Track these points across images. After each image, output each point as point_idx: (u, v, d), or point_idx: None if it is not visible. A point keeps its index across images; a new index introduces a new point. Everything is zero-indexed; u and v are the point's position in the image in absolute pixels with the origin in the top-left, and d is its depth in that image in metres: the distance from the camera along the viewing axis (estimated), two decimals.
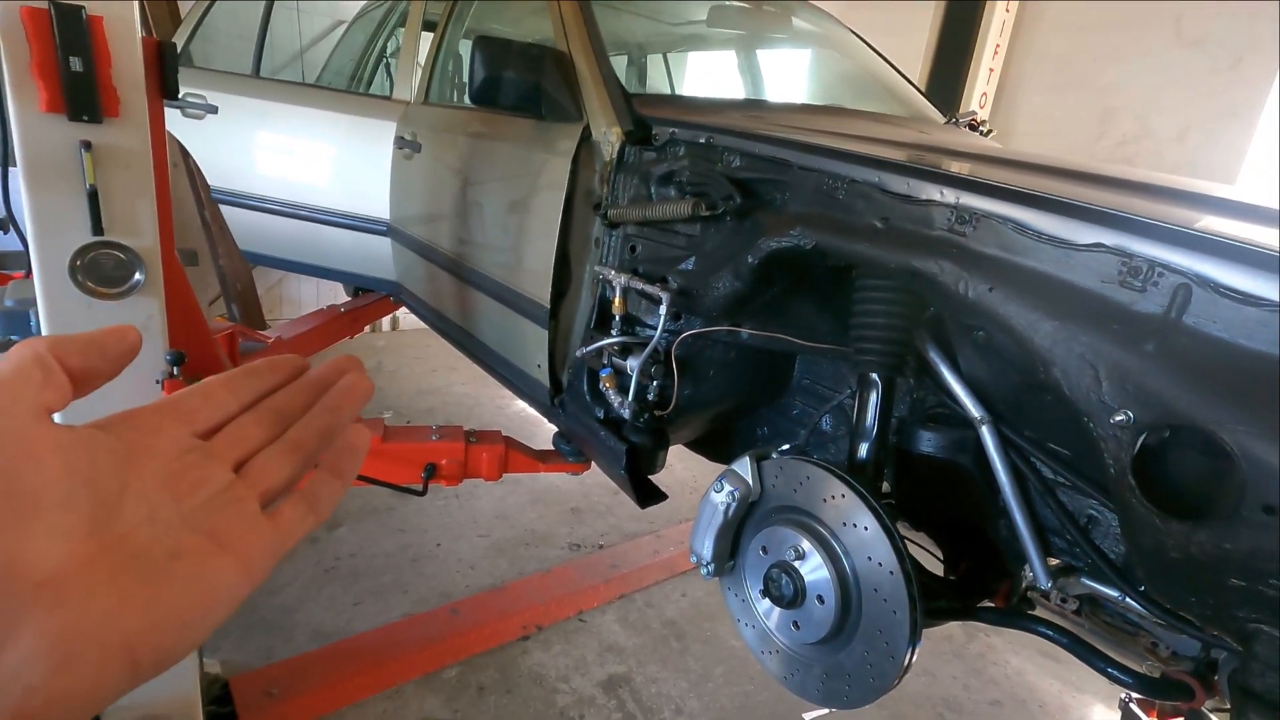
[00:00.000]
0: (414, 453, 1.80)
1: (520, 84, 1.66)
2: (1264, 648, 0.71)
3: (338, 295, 4.73)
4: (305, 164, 2.76)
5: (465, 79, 2.16)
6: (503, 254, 1.98)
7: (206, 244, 4.34)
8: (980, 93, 4.00)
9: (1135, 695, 2.57)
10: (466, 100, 2.25)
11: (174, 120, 2.77)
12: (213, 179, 2.80)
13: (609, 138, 1.57)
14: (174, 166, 3.83)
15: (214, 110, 2.72)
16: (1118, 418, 0.79)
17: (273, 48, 3.49)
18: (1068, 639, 1.16)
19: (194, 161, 2.87)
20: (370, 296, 3.29)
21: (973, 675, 2.86)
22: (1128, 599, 1.07)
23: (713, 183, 1.32)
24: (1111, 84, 3.70)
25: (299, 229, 2.73)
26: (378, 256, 2.71)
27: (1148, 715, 2.58)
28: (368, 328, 6.09)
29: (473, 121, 2.21)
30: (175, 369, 1.52)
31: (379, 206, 2.66)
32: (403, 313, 5.57)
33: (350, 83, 3.51)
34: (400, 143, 2.56)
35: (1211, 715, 1.23)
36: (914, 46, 4.17)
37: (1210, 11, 3.35)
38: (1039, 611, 1.33)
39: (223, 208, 2.88)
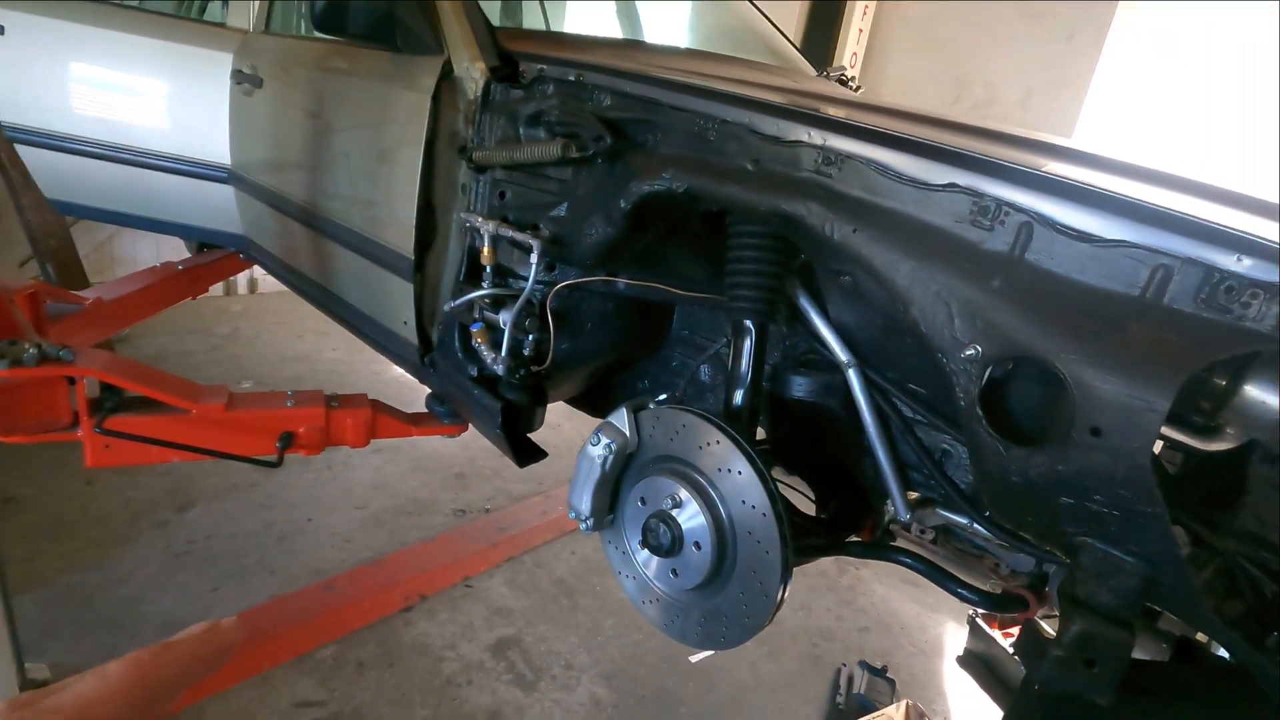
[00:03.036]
0: (266, 420, 1.63)
1: (370, 10, 1.50)
2: (1088, 558, 0.77)
3: (183, 254, 4.25)
4: (123, 99, 2.39)
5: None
6: (361, 202, 1.81)
7: (7, 194, 3.74)
8: (851, 52, 4.13)
9: (981, 611, 2.87)
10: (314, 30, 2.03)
11: None
12: (3, 113, 2.37)
13: (472, 73, 1.45)
14: None
15: None
16: (967, 352, 0.82)
17: None
18: (924, 566, 1.24)
19: None
20: (215, 253, 2.95)
21: (844, 606, 3.08)
22: (975, 524, 1.15)
23: (583, 123, 1.26)
24: (965, 51, 3.93)
25: (119, 175, 2.38)
26: (219, 207, 2.41)
27: (991, 627, 2.89)
28: (218, 289, 5.54)
29: (321, 53, 1.99)
30: None
31: (217, 149, 2.36)
32: (262, 273, 5.10)
33: (179, 8, 3.07)
34: (238, 77, 2.27)
35: (1043, 623, 1.36)
36: (789, 4, 4.22)
37: None
38: (900, 543, 1.42)
39: (21, 149, 2.46)
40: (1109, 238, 0.77)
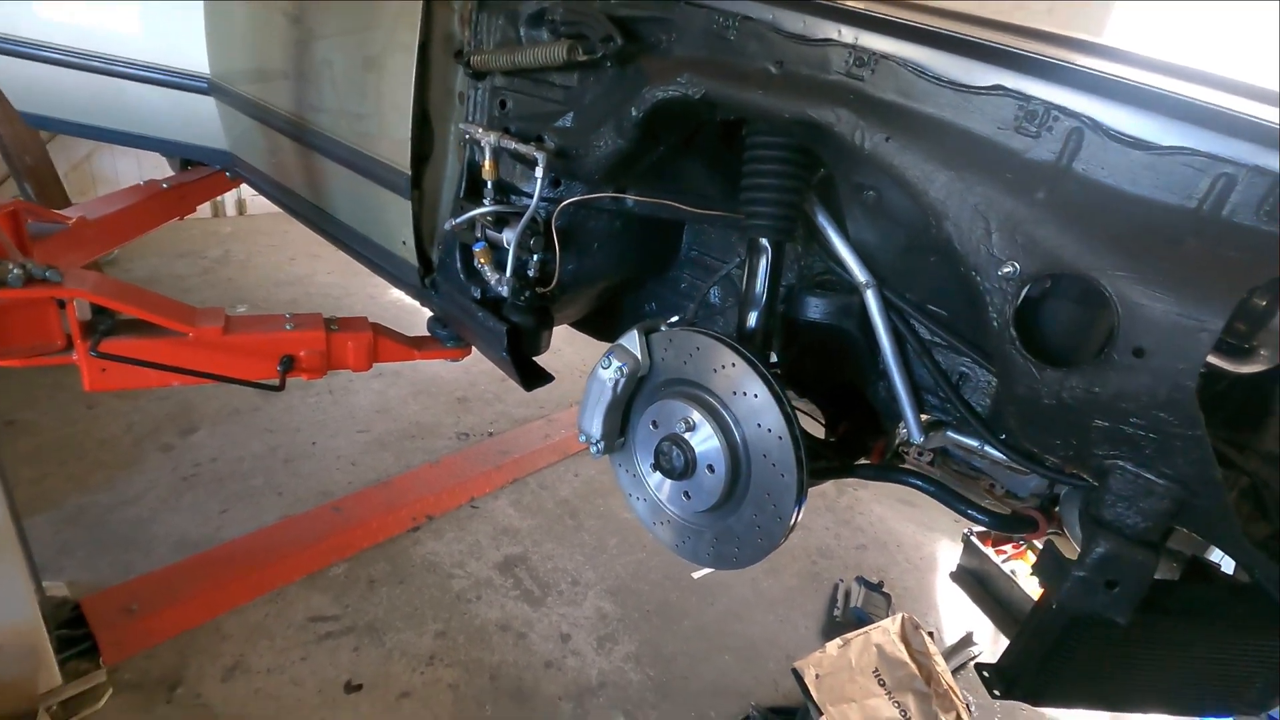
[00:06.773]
0: (265, 344, 1.59)
1: None
2: (1118, 481, 0.76)
3: (167, 172, 4.10)
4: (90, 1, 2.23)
5: None
6: (352, 114, 1.71)
7: None
8: None
9: (976, 529, 2.94)
10: None
11: None
12: None
13: None
14: None
15: None
16: (1005, 269, 0.78)
17: None
18: (935, 488, 1.24)
19: None
20: (200, 170, 2.82)
21: (842, 525, 3.15)
22: (988, 447, 1.14)
23: (590, 22, 1.16)
24: None
25: (91, 85, 2.23)
26: (200, 120, 2.28)
27: (984, 544, 2.96)
28: (206, 210, 5.39)
29: None
30: None
31: (195, 57, 2.21)
32: (251, 194, 4.95)
33: None
34: None
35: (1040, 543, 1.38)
36: None
37: None
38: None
39: None
40: (1167, 144, 0.71)
